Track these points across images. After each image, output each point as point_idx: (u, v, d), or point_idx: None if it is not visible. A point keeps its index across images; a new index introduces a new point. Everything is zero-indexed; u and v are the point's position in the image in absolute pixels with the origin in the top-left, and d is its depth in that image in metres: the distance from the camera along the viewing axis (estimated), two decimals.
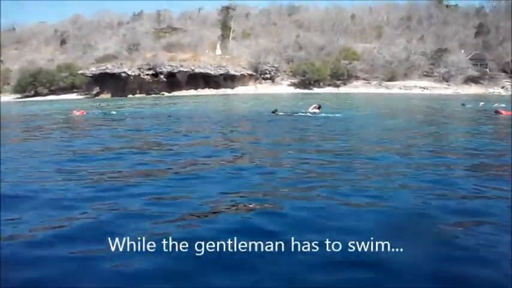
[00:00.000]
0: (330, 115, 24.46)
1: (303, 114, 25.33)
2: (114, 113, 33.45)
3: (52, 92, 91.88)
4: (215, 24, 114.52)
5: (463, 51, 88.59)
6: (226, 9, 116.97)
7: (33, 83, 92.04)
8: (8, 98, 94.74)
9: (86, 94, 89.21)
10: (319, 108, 26.12)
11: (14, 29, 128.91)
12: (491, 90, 78.73)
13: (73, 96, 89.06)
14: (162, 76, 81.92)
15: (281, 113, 25.64)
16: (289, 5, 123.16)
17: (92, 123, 23.57)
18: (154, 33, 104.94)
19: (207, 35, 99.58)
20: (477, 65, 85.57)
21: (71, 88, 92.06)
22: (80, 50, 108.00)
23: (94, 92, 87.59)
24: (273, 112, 25.88)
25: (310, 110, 26.18)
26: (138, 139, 15.45)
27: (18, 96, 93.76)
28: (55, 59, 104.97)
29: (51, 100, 79.79)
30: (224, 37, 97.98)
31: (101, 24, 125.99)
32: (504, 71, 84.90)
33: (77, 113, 32.61)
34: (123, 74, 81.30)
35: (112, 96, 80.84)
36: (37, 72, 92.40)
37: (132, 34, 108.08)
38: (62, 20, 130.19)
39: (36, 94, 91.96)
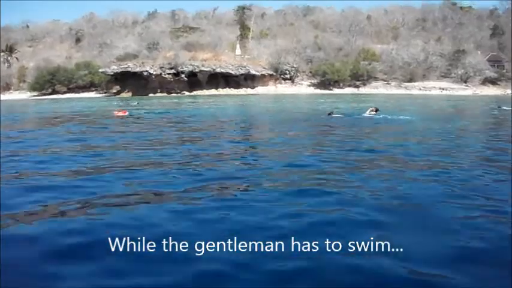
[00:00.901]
0: (388, 117, 24.34)
1: (360, 116, 25.27)
2: (152, 113, 32.45)
3: (70, 90, 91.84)
4: (231, 24, 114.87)
5: (479, 52, 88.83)
6: (242, 9, 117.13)
7: (51, 81, 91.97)
8: (25, 95, 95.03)
9: (105, 92, 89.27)
10: (376, 111, 26.11)
11: (27, 26, 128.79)
12: (509, 91, 78.94)
13: (92, 94, 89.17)
14: (183, 75, 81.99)
15: (336, 115, 25.75)
16: (304, 5, 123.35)
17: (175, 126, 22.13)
18: (172, 33, 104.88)
19: (225, 34, 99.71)
20: (494, 66, 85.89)
21: (89, 86, 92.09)
22: (96, 49, 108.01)
23: (114, 91, 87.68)
24: (329, 114, 25.98)
25: (368, 113, 26.06)
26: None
27: (35, 94, 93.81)
28: (71, 57, 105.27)
29: (70, 98, 79.85)
30: (243, 37, 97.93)
31: (115, 22, 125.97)
32: None
33: (119, 114, 31.86)
34: (145, 73, 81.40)
35: (133, 95, 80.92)
36: (55, 70, 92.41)
37: (148, 33, 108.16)
38: (75, 18, 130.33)
39: (54, 92, 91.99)
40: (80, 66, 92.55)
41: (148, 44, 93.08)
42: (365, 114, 25.75)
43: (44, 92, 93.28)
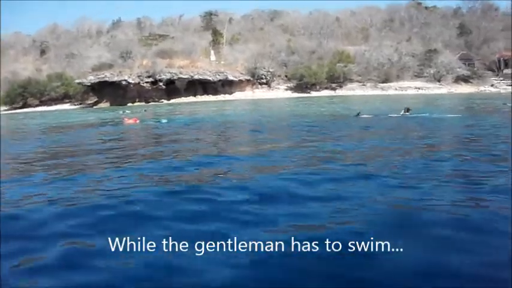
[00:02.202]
0: (417, 115, 25.36)
1: (392, 116, 26.00)
2: (164, 121, 31.58)
3: (42, 103, 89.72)
4: (199, 30, 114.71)
5: (448, 51, 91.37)
6: (210, 15, 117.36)
7: (22, 94, 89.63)
8: None
9: (81, 104, 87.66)
10: (408, 110, 26.87)
11: None
12: (482, 88, 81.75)
13: (66, 106, 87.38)
14: (161, 83, 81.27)
15: (364, 116, 26.33)
16: (270, 10, 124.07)
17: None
18: (142, 41, 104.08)
19: (196, 41, 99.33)
20: (465, 64, 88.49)
21: (62, 98, 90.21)
22: (64, 60, 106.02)
23: (90, 102, 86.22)
24: (357, 115, 26.53)
25: (402, 113, 26.73)
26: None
27: (5, 108, 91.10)
28: (40, 69, 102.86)
29: (44, 111, 77.76)
30: (215, 43, 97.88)
31: (80, 33, 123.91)
32: (490, 70, 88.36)
33: (129, 121, 31.74)
34: (124, 82, 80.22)
35: (111, 105, 79.62)
36: (26, 83, 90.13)
37: (116, 42, 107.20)
38: (38, 29, 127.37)
39: (25, 105, 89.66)
40: (52, 78, 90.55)
41: (122, 52, 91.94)
42: (394, 114, 26.55)
43: (14, 106, 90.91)
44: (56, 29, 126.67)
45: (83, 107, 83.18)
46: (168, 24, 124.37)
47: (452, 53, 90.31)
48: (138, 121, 31.83)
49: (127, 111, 50.47)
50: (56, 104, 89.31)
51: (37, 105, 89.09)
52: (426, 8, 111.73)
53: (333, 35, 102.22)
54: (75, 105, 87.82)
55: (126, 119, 32.78)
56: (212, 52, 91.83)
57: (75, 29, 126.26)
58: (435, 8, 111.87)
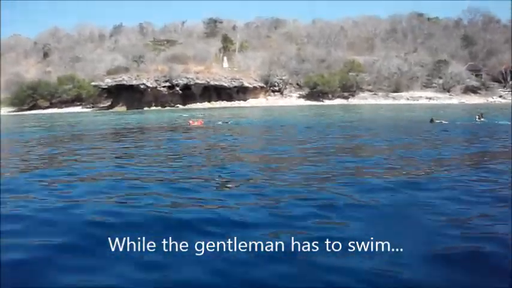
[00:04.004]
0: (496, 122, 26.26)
1: (468, 123, 26.84)
2: (230, 122, 32.65)
3: (52, 105, 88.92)
4: (202, 36, 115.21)
5: (454, 62, 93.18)
6: (214, 22, 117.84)
7: (32, 96, 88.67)
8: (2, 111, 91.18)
9: (93, 107, 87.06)
10: (481, 117, 27.92)
11: None
12: (490, 99, 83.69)
13: (78, 109, 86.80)
14: (177, 88, 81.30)
15: (438, 121, 27.23)
16: (273, 18, 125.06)
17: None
18: (149, 46, 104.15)
19: (206, 47, 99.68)
20: (473, 75, 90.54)
21: (72, 101, 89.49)
22: (68, 63, 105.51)
23: (105, 105, 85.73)
24: (431, 121, 27.43)
25: (477, 119, 27.82)
26: None
27: (13, 109, 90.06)
28: (46, 71, 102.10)
29: (54, 113, 77.05)
30: (226, 49, 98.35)
31: (82, 36, 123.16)
32: (496, 81, 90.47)
33: (195, 123, 32.11)
34: (142, 86, 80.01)
35: (128, 109, 79.33)
36: (36, 85, 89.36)
37: (122, 46, 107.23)
38: (39, 32, 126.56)
39: (34, 107, 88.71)
40: (62, 80, 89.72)
41: (134, 56, 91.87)
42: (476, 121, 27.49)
43: (22, 107, 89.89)
44: (56, 33, 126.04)
45: (97, 110, 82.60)
46: (171, 30, 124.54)
47: (458, 64, 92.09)
48: (202, 123, 32.26)
49: (184, 114, 50.17)
50: (66, 106, 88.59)
51: (47, 107, 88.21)
52: (428, 19, 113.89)
53: (339, 44, 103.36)
54: (87, 108, 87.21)
55: (191, 121, 33.07)
56: (225, 59, 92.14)
57: (77, 32, 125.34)
58: (437, 20, 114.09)
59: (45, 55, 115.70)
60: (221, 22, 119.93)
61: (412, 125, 27.54)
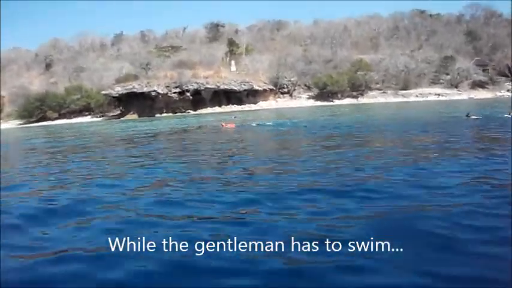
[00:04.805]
0: None
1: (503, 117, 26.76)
2: (269, 123, 32.37)
3: (61, 116, 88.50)
4: (205, 41, 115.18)
5: (460, 57, 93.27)
6: (216, 26, 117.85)
7: (40, 107, 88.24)
8: (8, 125, 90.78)
9: (102, 116, 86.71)
10: None
11: None
12: (499, 93, 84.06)
13: (88, 119, 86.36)
14: (188, 94, 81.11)
15: (474, 117, 27.19)
16: (275, 20, 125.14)
17: None
18: (153, 53, 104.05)
19: (212, 52, 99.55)
20: (480, 70, 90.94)
21: (80, 111, 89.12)
22: (71, 73, 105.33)
23: (115, 114, 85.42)
24: (467, 116, 27.42)
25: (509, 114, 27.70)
26: None
27: (21, 122, 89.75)
28: (53, 82, 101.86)
29: (73, 123, 76.59)
30: (232, 53, 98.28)
31: (83, 46, 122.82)
32: (502, 75, 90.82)
33: (227, 126, 32.13)
34: (153, 93, 79.71)
35: (139, 116, 79.05)
36: (43, 96, 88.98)
37: (125, 55, 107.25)
38: (40, 44, 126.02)
39: (42, 119, 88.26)
40: (70, 91, 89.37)
41: (142, 64, 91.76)
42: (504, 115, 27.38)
43: (30, 119, 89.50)
44: (57, 44, 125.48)
45: (107, 119, 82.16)
46: (173, 37, 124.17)
47: (465, 60, 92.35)
48: (234, 126, 32.28)
49: (210, 118, 49.97)
50: (75, 116, 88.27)
51: (56, 118, 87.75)
52: (430, 15, 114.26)
53: (344, 44, 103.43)
54: (97, 117, 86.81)
55: (224, 124, 33.07)
56: (233, 62, 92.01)
57: (78, 43, 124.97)
58: (439, 16, 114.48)
59: (48, 66, 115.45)
60: (223, 26, 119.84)
61: (455, 120, 27.53)
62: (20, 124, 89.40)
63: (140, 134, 32.65)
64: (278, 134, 24.38)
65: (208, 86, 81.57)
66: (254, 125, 32.72)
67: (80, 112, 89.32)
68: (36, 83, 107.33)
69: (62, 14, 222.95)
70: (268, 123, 32.94)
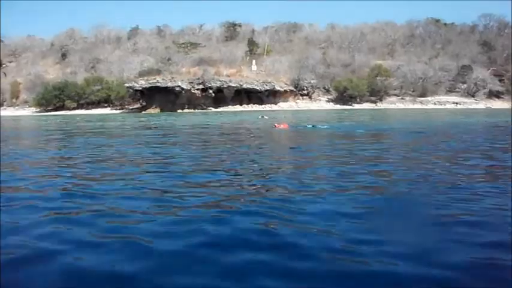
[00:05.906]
0: None
1: None
2: (324, 126, 30.87)
3: (80, 106, 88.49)
4: (222, 40, 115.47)
5: (477, 67, 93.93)
6: (233, 26, 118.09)
7: (59, 96, 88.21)
8: (24, 111, 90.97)
9: (122, 108, 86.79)
10: None
11: (2, 41, 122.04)
12: None
13: (107, 110, 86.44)
14: (210, 91, 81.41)
15: None
16: (290, 22, 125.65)
17: None
18: (170, 48, 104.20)
19: (230, 50, 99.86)
20: (497, 80, 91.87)
21: (99, 102, 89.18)
22: (88, 64, 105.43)
23: (136, 107, 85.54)
24: None
25: None
26: None
27: (37, 110, 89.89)
28: (59, 72, 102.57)
29: (82, 114, 75.68)
30: (252, 53, 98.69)
31: (98, 38, 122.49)
32: None
33: (280, 126, 32.27)
34: (177, 88, 79.85)
35: (161, 110, 79.16)
36: (63, 85, 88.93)
37: (144, 49, 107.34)
38: (56, 34, 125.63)
39: (60, 108, 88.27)
40: (89, 82, 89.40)
41: (162, 59, 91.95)
42: None
43: (47, 108, 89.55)
44: (73, 34, 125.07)
45: (127, 112, 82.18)
46: (189, 33, 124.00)
47: (481, 69, 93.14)
48: (287, 126, 32.38)
49: (265, 116, 48.52)
50: (93, 107, 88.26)
51: (74, 108, 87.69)
52: (445, 24, 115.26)
53: (361, 50, 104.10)
54: (116, 109, 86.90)
55: (277, 125, 33.20)
56: (254, 62, 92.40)
57: (93, 34, 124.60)
58: (453, 25, 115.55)
59: (63, 56, 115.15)
60: (240, 26, 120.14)
61: (497, 129, 26.95)
62: (36, 112, 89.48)
63: (228, 129, 30.77)
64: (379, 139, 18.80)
65: (231, 84, 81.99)
66: (309, 126, 31.85)
67: (98, 103, 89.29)
68: (51, 72, 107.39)
69: (79, 5, 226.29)
70: (321, 126, 30.34)
